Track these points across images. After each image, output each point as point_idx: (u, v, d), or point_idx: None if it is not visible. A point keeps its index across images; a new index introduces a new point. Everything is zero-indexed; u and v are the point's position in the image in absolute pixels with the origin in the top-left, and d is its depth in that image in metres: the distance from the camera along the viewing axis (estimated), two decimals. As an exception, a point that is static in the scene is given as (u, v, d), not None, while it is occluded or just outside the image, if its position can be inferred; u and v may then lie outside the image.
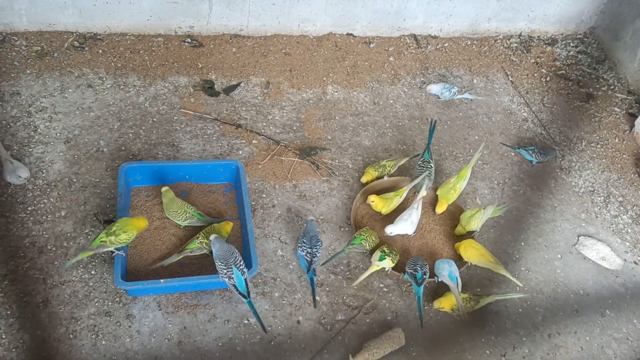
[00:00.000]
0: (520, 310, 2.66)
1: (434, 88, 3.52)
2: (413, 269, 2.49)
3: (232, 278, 2.25)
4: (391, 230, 2.67)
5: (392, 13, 3.79)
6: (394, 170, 2.98)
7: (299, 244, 2.53)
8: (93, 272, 2.43)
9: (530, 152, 3.24)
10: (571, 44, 4.20)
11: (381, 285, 2.62)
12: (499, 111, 3.63)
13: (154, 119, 3.09)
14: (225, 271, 2.26)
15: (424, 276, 2.47)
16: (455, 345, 2.49)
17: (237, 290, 2.26)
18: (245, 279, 2.27)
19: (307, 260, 2.49)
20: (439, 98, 3.56)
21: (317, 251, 2.50)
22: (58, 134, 2.90)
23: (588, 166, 3.39)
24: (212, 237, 2.35)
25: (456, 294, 2.47)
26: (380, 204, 2.76)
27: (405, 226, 2.69)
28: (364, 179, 2.95)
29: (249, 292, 2.27)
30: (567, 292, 2.77)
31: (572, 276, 2.84)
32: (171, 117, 3.12)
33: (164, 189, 2.56)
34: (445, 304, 2.49)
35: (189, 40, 3.54)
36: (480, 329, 2.57)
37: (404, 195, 2.82)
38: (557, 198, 3.19)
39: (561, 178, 3.30)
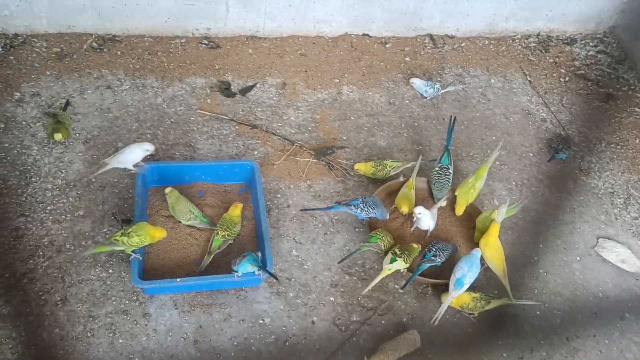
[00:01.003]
0: (538, 313, 2.63)
1: (417, 82, 3.46)
2: (428, 248, 2.53)
3: (243, 254, 2.33)
4: (421, 211, 2.63)
5: (409, 13, 3.77)
6: (397, 172, 2.94)
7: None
8: (111, 271, 2.45)
9: (560, 150, 3.20)
10: (590, 43, 4.14)
11: (396, 286, 2.61)
12: (517, 111, 3.60)
13: (172, 120, 3.12)
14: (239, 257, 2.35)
15: (433, 259, 2.48)
16: (471, 348, 2.47)
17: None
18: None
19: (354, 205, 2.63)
20: (424, 96, 3.50)
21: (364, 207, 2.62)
22: (77, 135, 2.94)
23: (608, 167, 3.34)
24: None
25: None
26: (409, 207, 2.77)
27: (431, 216, 2.67)
28: (357, 167, 2.93)
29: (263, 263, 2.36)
30: (586, 294, 2.73)
31: (591, 279, 2.79)
32: (188, 118, 3.15)
33: (167, 189, 2.55)
34: (455, 301, 2.45)
35: (206, 41, 3.57)
36: (498, 332, 2.54)
37: (413, 185, 2.82)
38: (576, 199, 3.14)
39: (580, 179, 3.25)
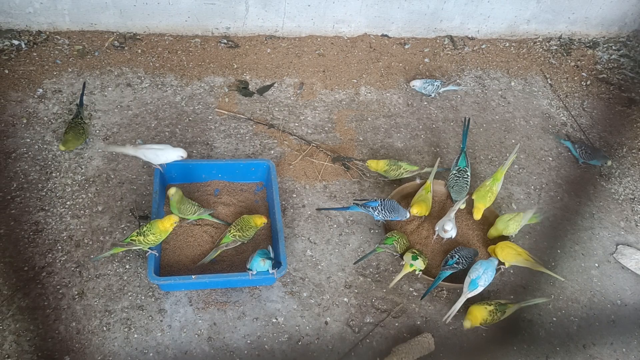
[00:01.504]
0: (554, 319, 2.59)
1: (417, 84, 3.44)
2: (450, 255, 2.53)
3: (256, 251, 2.34)
4: (450, 228, 2.61)
5: (429, 14, 3.75)
6: (410, 175, 2.92)
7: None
8: (127, 267, 2.48)
9: (577, 148, 3.15)
10: (613, 47, 4.08)
11: (411, 289, 2.60)
12: (537, 115, 3.55)
13: (190, 118, 3.14)
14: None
15: (455, 266, 2.48)
16: (486, 353, 2.45)
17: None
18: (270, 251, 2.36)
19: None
20: (424, 94, 3.48)
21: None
22: (97, 131, 2.98)
23: (629, 173, 3.29)
24: None
25: (460, 301, 2.42)
26: (424, 209, 2.75)
27: (454, 227, 2.65)
28: (369, 162, 2.91)
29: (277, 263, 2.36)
30: (603, 301, 2.69)
31: (609, 286, 2.75)
32: (206, 117, 3.17)
33: (172, 190, 2.48)
34: (474, 319, 2.41)
35: (225, 41, 3.59)
36: (513, 337, 2.52)
37: (431, 188, 2.81)
38: (596, 205, 3.10)
39: (600, 185, 3.20)
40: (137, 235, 2.30)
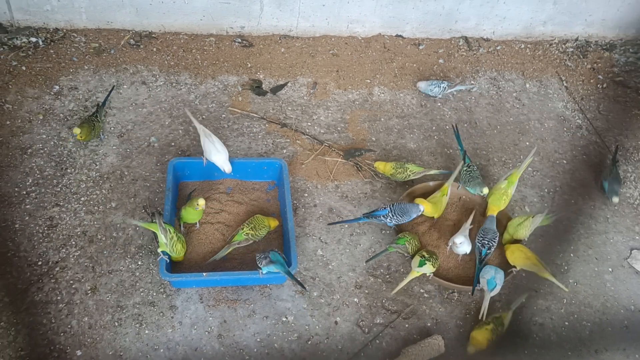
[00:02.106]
0: (566, 323, 2.57)
1: (422, 85, 3.42)
2: (481, 243, 2.56)
3: (269, 257, 2.33)
4: (461, 241, 2.57)
5: (444, 15, 3.74)
6: (418, 177, 2.89)
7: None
8: (140, 263, 2.50)
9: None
10: (630, 49, 4.03)
11: (422, 290, 2.59)
12: (552, 117, 3.52)
13: (203, 117, 3.16)
14: (263, 254, 2.35)
15: (488, 251, 2.52)
16: (497, 357, 2.43)
17: (272, 261, 2.33)
18: (283, 257, 2.35)
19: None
20: (430, 95, 3.46)
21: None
22: (112, 128, 3.01)
23: (645, 177, 3.25)
24: None
25: (486, 300, 2.43)
26: (432, 210, 2.73)
27: (468, 243, 2.62)
28: (376, 164, 2.93)
29: (288, 262, 2.35)
30: (616, 307, 2.66)
31: (622, 291, 2.72)
32: (219, 115, 3.18)
33: (202, 202, 2.49)
34: (480, 344, 2.36)
35: (240, 40, 3.60)
36: (524, 341, 2.50)
37: (449, 192, 2.79)
38: (610, 209, 3.06)
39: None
40: (173, 232, 2.36)
